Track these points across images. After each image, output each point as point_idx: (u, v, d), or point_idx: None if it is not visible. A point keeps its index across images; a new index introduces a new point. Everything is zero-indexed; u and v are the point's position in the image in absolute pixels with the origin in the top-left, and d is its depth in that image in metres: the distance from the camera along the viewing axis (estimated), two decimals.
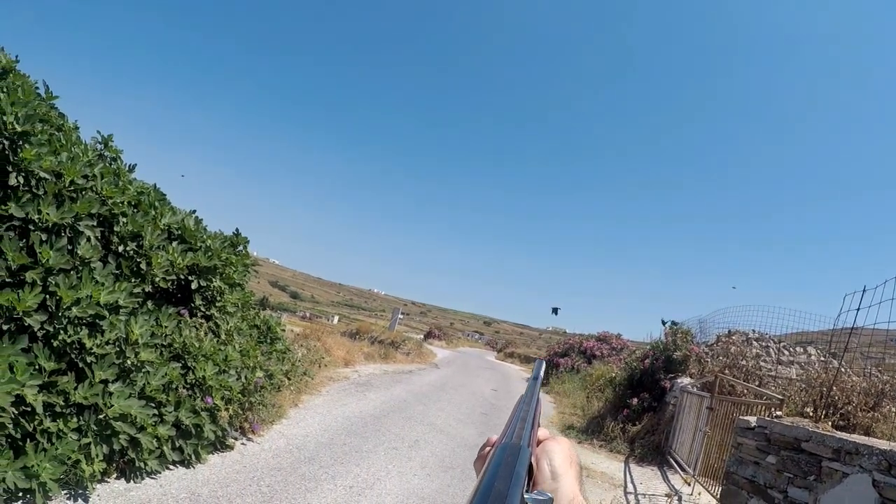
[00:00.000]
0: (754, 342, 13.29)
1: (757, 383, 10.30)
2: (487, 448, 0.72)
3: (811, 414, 7.55)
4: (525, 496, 0.52)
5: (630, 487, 8.74)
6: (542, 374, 0.99)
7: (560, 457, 0.67)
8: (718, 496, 6.97)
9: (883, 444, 4.79)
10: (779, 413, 6.56)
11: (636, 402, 13.24)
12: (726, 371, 10.73)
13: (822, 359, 12.07)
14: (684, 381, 12.16)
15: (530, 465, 0.60)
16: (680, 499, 8.06)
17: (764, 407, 7.19)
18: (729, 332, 13.89)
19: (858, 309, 6.28)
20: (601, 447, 11.86)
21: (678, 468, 9.56)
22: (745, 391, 9.09)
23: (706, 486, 7.96)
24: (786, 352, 13.16)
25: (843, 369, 7.52)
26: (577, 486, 0.65)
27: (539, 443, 0.72)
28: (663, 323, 15.75)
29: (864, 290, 6.25)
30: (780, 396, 7.20)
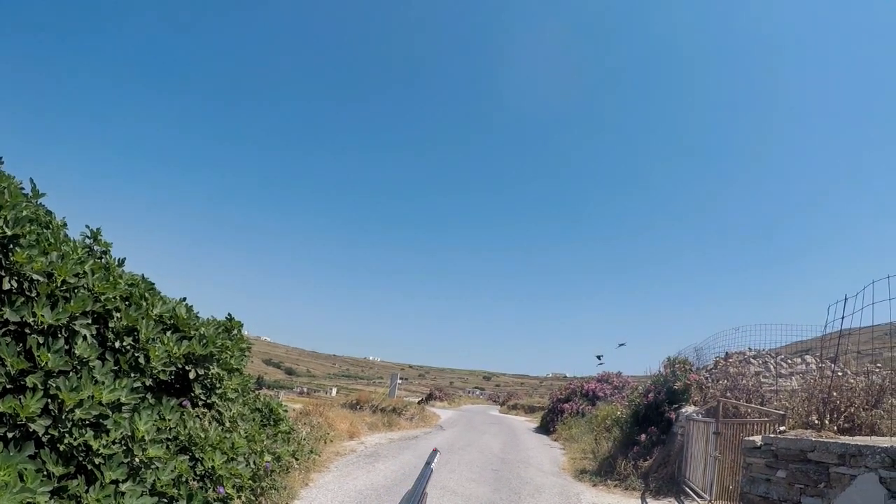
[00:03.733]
0: (752, 360, 13.34)
1: (759, 401, 10.32)
2: None
3: (816, 422, 7.59)
4: None
5: None
6: (435, 462, 1.01)
7: None
8: None
9: (884, 442, 4.98)
10: (782, 428, 6.67)
11: (644, 438, 13.14)
12: (728, 394, 10.77)
13: (821, 365, 12.12)
14: (689, 409, 12.16)
15: None
16: None
17: (768, 423, 7.33)
18: (726, 354, 13.94)
19: (843, 318, 6.56)
20: (616, 486, 11.67)
21: (694, 495, 9.51)
22: (749, 410, 9.15)
23: None
24: (784, 364, 13.20)
25: (840, 372, 7.58)
26: None
27: None
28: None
29: (845, 299, 6.55)
30: (780, 412, 7.42)
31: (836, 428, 6.87)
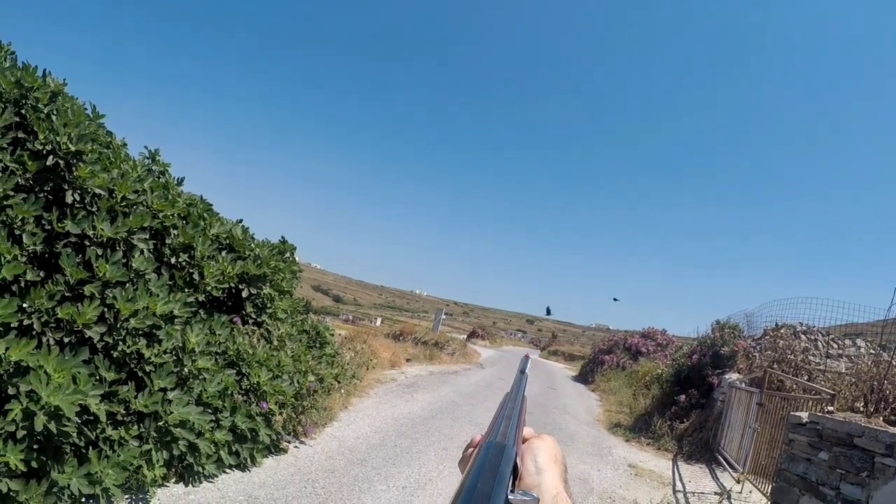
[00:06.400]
0: (802, 335, 12.86)
1: (806, 378, 9.99)
2: (471, 449, 0.71)
3: (862, 409, 7.32)
4: (509, 496, 0.51)
5: (679, 486, 8.58)
6: (528, 368, 0.98)
7: (545, 454, 0.67)
8: (769, 494, 6.86)
9: None
10: (830, 408, 6.45)
11: (684, 399, 13.00)
12: (775, 366, 10.46)
13: (872, 351, 11.64)
14: (732, 376, 11.91)
15: (515, 464, 0.59)
16: (730, 497, 7.90)
17: (814, 402, 7.09)
18: (776, 325, 13.48)
19: None
20: (648, 445, 11.66)
21: (727, 466, 9.38)
22: (795, 386, 8.90)
23: (756, 484, 7.84)
24: (834, 345, 12.71)
25: (894, 362, 7.22)
26: (560, 482, 0.65)
27: (525, 441, 0.71)
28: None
29: None
30: (831, 391, 7.13)
31: (881, 419, 6.63)
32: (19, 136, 3.83)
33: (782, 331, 12.96)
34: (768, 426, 8.05)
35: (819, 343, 12.57)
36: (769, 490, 6.93)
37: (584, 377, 26.89)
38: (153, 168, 5.48)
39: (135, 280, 4.34)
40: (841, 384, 8.92)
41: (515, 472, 0.59)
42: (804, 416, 6.26)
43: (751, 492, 7.91)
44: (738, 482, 8.34)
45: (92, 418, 3.70)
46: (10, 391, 3.18)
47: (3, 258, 3.44)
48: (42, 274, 3.77)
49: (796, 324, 13.27)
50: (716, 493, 8.12)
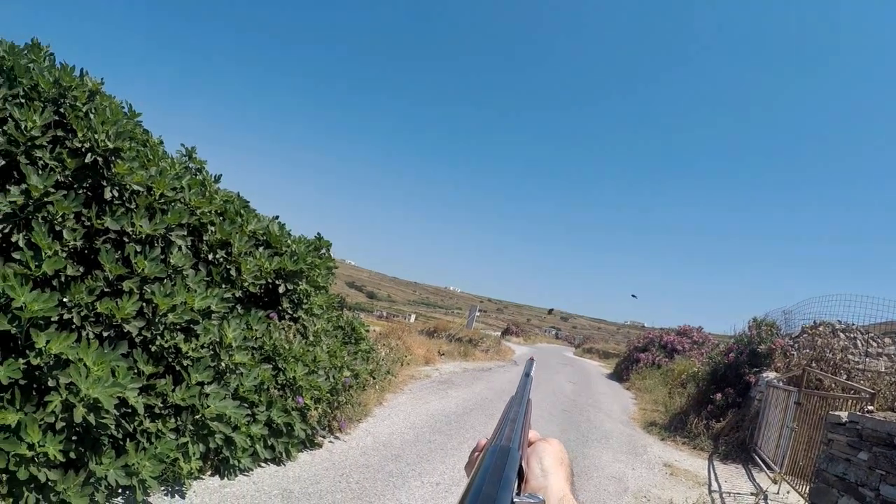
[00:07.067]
0: (840, 333, 12.46)
1: (845, 377, 9.69)
2: (477, 453, 0.71)
3: None
4: (515, 499, 0.52)
5: (714, 486, 8.40)
6: (533, 371, 0.97)
7: (551, 457, 0.68)
8: (807, 495, 6.71)
9: None
10: (870, 408, 6.29)
11: (720, 398, 12.71)
12: (813, 364, 10.17)
13: None
14: (769, 375, 11.61)
15: (521, 468, 0.59)
16: (766, 498, 7.70)
17: (854, 401, 6.92)
18: (815, 323, 13.10)
19: None
20: (684, 444, 11.42)
21: (764, 466, 9.15)
22: (833, 385, 8.65)
23: (794, 485, 7.65)
24: (873, 343, 12.26)
25: None
26: (566, 485, 0.66)
27: (530, 444, 0.72)
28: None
29: None
30: (871, 390, 6.96)
31: None
32: (58, 134, 3.90)
33: (820, 329, 12.62)
34: (806, 426, 7.88)
35: (858, 341, 12.17)
36: (807, 491, 6.79)
37: (618, 375, 26.53)
38: (190, 165, 5.55)
39: (173, 276, 4.40)
40: (881, 383, 8.68)
41: (521, 475, 0.60)
42: (843, 415, 6.11)
43: (788, 492, 7.72)
44: (775, 482, 8.15)
45: (130, 411, 3.76)
46: (51, 383, 3.25)
47: (44, 253, 3.51)
48: (82, 269, 3.83)
49: (835, 321, 12.90)
50: (752, 494, 7.92)
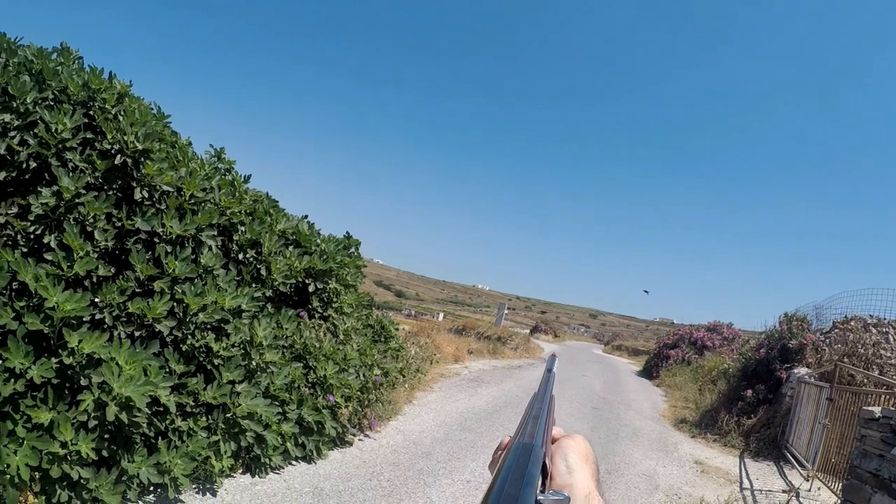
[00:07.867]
0: (872, 328, 12.08)
1: (877, 372, 9.41)
2: (500, 451, 0.70)
3: None
4: (539, 497, 0.50)
5: (746, 483, 8.23)
6: (555, 367, 0.96)
7: (576, 454, 0.65)
8: (840, 492, 6.52)
9: None
10: None
11: (751, 394, 12.42)
12: (845, 359, 9.89)
13: None
14: (801, 371, 11.33)
15: (545, 465, 0.58)
16: (798, 495, 7.50)
17: (887, 397, 6.78)
18: (846, 317, 12.74)
19: None
20: (714, 441, 11.20)
21: (795, 463, 8.93)
22: (866, 380, 8.42)
23: (826, 482, 7.48)
24: None
25: None
26: (592, 482, 0.63)
27: (554, 441, 0.70)
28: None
29: None
30: None
31: None
32: (88, 136, 3.94)
33: (852, 323, 12.29)
34: (838, 422, 7.71)
35: (890, 336, 11.80)
36: (839, 488, 6.63)
37: (648, 372, 26.18)
38: (219, 166, 5.58)
39: (203, 276, 4.41)
40: None
41: (545, 472, 0.59)
42: (876, 410, 5.95)
43: (819, 489, 7.56)
44: (807, 479, 7.96)
45: (162, 409, 3.78)
46: (83, 382, 3.27)
47: (76, 254, 3.54)
48: (113, 270, 3.87)
49: (866, 316, 12.55)
50: (784, 492, 7.74)
